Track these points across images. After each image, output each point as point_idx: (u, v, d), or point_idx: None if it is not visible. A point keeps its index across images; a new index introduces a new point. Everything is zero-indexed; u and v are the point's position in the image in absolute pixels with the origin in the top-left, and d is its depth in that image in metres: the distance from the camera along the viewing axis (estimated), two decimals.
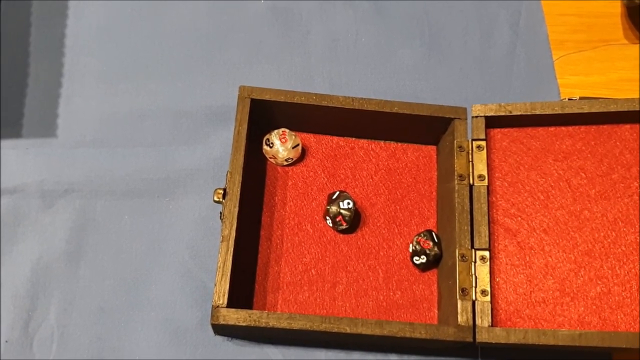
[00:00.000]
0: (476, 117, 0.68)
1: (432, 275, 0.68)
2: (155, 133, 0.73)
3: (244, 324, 0.58)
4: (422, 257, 0.66)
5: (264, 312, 0.59)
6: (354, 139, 0.73)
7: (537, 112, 0.67)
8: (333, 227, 0.68)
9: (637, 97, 0.67)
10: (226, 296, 0.59)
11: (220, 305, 0.59)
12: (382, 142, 0.73)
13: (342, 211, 0.66)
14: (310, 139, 0.72)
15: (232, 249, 0.61)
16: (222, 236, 0.61)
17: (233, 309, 0.59)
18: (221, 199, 0.63)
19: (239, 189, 0.63)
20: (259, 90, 0.68)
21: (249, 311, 0.59)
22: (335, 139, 0.73)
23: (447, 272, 0.64)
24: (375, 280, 0.67)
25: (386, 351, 0.66)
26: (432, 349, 0.66)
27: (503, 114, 0.67)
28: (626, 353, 0.66)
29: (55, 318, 0.65)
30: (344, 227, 0.67)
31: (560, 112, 0.67)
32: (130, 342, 0.65)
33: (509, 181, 0.67)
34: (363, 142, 0.73)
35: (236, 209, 0.62)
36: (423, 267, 0.67)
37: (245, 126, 0.66)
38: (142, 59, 0.77)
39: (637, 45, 0.81)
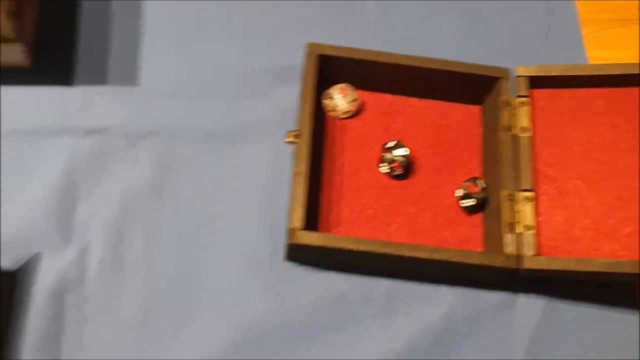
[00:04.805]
0: (520, 76, 0.75)
1: (477, 218, 0.75)
2: (226, 87, 0.80)
3: (316, 244, 0.65)
4: (471, 200, 0.73)
5: (334, 235, 0.66)
6: (405, 97, 0.80)
7: (573, 74, 0.75)
8: (387, 174, 0.75)
9: None
10: (302, 221, 0.66)
11: (297, 228, 0.66)
12: (431, 101, 0.80)
13: (398, 157, 0.74)
14: (366, 96, 0.80)
15: (306, 182, 0.68)
16: (296, 171, 0.68)
17: (307, 232, 0.66)
18: (294, 140, 0.70)
19: (310, 131, 0.70)
20: (324, 47, 0.75)
21: (321, 234, 0.66)
22: (389, 96, 0.80)
23: (494, 212, 0.72)
24: (425, 221, 0.74)
25: (438, 282, 0.73)
26: (480, 279, 0.73)
27: (543, 74, 0.75)
28: None
29: (143, 243, 0.71)
30: (399, 172, 0.74)
31: (594, 73, 0.75)
32: (208, 266, 0.71)
33: (548, 135, 0.75)
34: (413, 100, 0.80)
35: (309, 148, 0.70)
36: (471, 210, 0.74)
37: (311, 79, 0.73)
38: (214, 20, 0.84)
39: None
